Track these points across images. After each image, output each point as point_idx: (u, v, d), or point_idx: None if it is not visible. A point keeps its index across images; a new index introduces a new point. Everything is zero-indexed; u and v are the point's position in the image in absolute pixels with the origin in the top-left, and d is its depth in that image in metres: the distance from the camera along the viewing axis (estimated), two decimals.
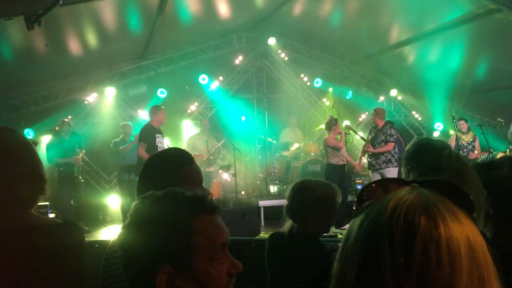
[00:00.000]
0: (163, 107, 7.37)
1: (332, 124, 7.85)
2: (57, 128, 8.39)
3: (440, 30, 8.45)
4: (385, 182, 0.74)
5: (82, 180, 8.43)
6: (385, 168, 7.14)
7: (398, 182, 0.74)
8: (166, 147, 7.07)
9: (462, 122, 8.16)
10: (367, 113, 12.14)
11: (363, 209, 0.71)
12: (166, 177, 1.74)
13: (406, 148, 2.20)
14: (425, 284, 0.61)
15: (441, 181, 0.74)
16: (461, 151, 7.60)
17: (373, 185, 0.75)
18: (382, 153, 7.20)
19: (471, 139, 8.18)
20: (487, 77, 9.97)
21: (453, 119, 8.16)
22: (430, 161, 1.89)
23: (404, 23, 9.16)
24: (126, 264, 0.99)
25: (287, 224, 2.38)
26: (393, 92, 11.81)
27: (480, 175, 1.74)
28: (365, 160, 8.19)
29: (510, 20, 7.44)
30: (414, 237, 0.63)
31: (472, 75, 9.89)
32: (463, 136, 8.10)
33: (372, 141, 7.43)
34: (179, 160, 1.86)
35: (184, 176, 1.79)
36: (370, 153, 7.45)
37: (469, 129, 8.13)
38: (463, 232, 0.64)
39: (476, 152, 8.13)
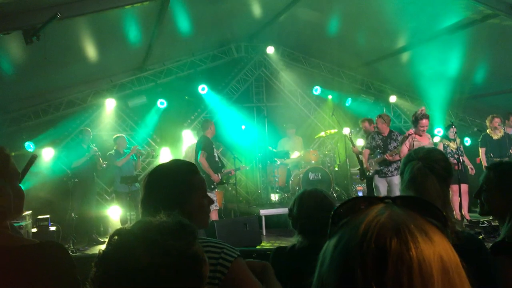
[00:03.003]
0: (212, 121, 7.98)
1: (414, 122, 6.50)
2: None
3: (437, 36, 8.50)
4: (358, 200, 0.72)
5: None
6: (396, 175, 7.04)
7: (370, 200, 0.72)
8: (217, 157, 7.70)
9: (450, 129, 8.16)
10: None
11: (337, 230, 0.70)
12: (178, 187, 1.77)
13: None
14: None
15: (414, 197, 0.72)
16: (451, 158, 7.54)
17: (345, 204, 0.73)
18: (394, 160, 7.07)
19: (459, 145, 8.19)
20: (486, 81, 9.99)
21: (452, 125, 8.11)
22: (403, 172, 1.95)
23: (401, 29, 9.20)
24: None
25: (298, 238, 2.28)
26: (393, 99, 11.83)
27: None
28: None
29: (505, 25, 7.47)
30: (385, 262, 0.61)
31: (471, 80, 9.91)
32: (451, 143, 8.10)
33: (383, 149, 7.35)
34: (190, 170, 1.87)
35: (197, 184, 1.83)
36: (382, 161, 7.30)
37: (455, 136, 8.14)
38: (435, 252, 0.62)
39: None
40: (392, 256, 0.61)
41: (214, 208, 7.34)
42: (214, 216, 7.35)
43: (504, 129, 8.32)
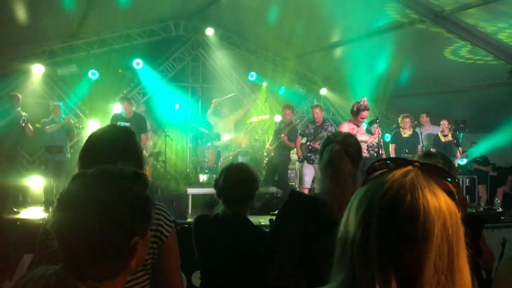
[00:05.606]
0: (128, 98, 8.39)
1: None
2: None
3: (368, 35, 8.99)
4: (392, 160, 0.86)
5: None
6: None
7: (403, 161, 0.85)
8: None
9: (373, 124, 8.67)
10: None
11: (369, 182, 0.84)
12: (112, 153, 1.70)
13: None
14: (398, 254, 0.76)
15: (436, 166, 0.85)
16: (372, 152, 8.01)
17: (381, 160, 0.87)
18: None
19: (380, 140, 8.71)
20: (409, 82, 10.69)
21: (377, 120, 8.56)
22: (322, 152, 2.20)
23: (336, 26, 9.61)
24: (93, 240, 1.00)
25: (221, 208, 2.44)
26: (323, 91, 12.31)
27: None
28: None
29: (430, 31, 8.07)
30: (398, 214, 0.76)
31: (395, 80, 10.55)
32: (372, 137, 8.63)
33: (313, 137, 7.68)
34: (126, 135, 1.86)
35: (132, 151, 1.81)
36: (310, 148, 7.64)
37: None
38: (441, 210, 0.77)
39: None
40: (405, 208, 0.76)
41: None
42: None
43: (414, 128, 9.02)
